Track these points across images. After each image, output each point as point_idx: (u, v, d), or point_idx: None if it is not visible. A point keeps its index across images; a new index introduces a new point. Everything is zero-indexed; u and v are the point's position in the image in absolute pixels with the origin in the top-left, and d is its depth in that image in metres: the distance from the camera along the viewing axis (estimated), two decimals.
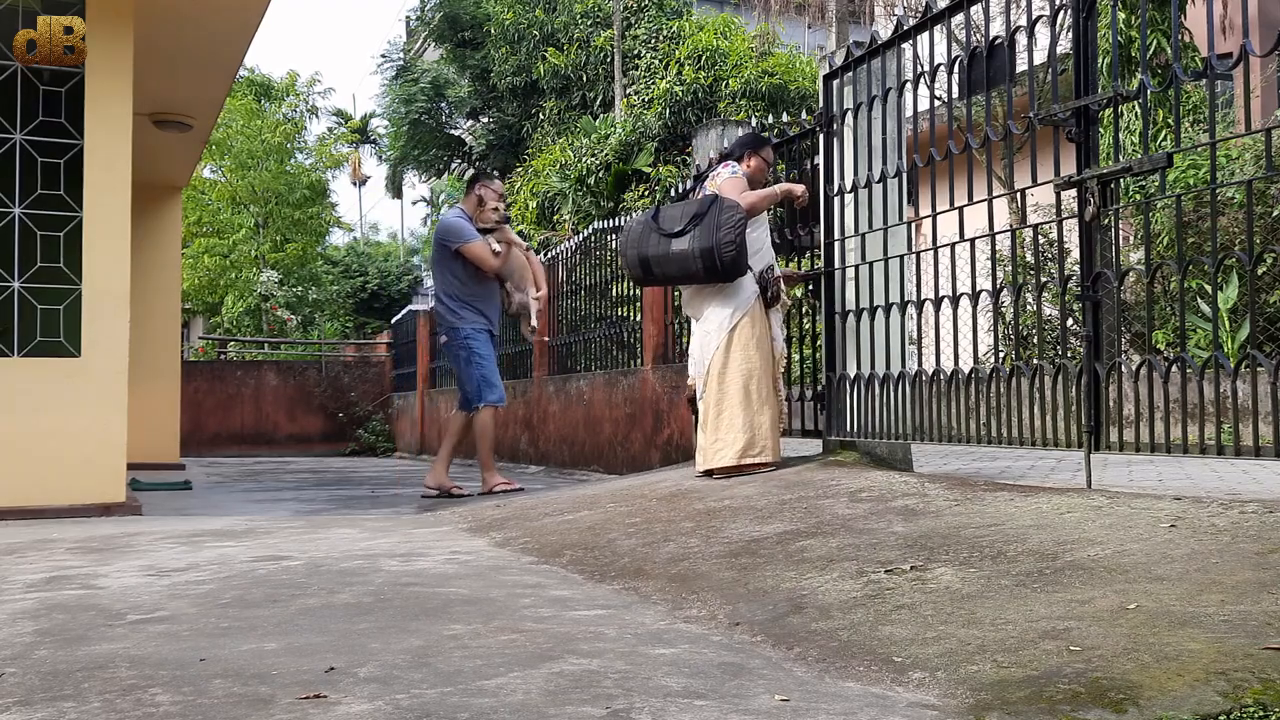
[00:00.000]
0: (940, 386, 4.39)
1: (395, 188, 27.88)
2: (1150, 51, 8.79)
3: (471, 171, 21.94)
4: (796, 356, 5.91)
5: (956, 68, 4.47)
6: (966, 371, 4.28)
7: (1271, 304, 7.05)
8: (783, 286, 5.09)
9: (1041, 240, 7.37)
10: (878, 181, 4.81)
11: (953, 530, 3.14)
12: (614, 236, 7.95)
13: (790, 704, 1.93)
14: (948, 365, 4.44)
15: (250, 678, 2.11)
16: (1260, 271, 6.53)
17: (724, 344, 4.88)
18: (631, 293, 7.70)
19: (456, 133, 22.19)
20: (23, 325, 5.41)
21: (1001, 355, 6.51)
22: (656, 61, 16.83)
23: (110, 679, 2.13)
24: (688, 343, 6.81)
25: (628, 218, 7.80)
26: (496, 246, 6.30)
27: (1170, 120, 7.21)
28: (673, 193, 7.22)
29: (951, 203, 4.31)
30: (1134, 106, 7.64)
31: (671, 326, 7.14)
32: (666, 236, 4.91)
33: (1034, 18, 4.01)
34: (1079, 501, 3.27)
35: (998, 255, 4.39)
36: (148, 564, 3.72)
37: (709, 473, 4.87)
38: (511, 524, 4.57)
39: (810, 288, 5.48)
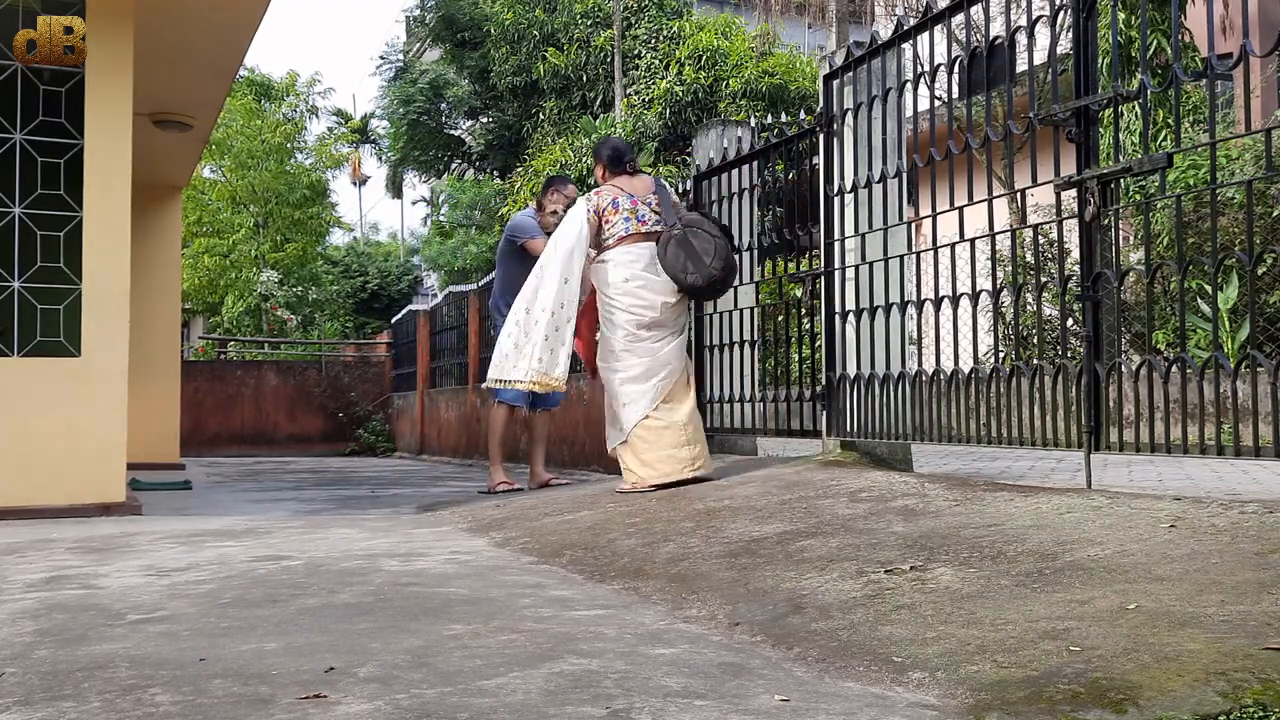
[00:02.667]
0: (940, 387, 4.39)
1: (395, 188, 27.88)
2: (1150, 51, 8.79)
3: (471, 171, 21.95)
4: (796, 356, 5.92)
5: (956, 68, 4.47)
6: (966, 372, 4.28)
7: (1271, 304, 7.05)
8: None
9: (1041, 240, 7.36)
10: (878, 181, 4.81)
11: (953, 530, 3.14)
12: None
13: (790, 704, 1.93)
14: (948, 365, 4.44)
15: (250, 678, 2.11)
16: (1260, 271, 6.53)
17: (682, 370, 5.03)
18: None
19: (456, 133, 22.19)
20: (23, 325, 5.40)
21: (1001, 355, 6.51)
22: (656, 61, 16.83)
23: (110, 679, 2.12)
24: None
25: None
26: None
27: (1170, 120, 7.21)
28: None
29: (951, 203, 4.31)
30: (1134, 106, 7.64)
31: None
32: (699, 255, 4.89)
33: (1034, 18, 4.01)
34: (1079, 502, 3.26)
35: (998, 255, 4.39)
36: (148, 564, 3.72)
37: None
38: (511, 524, 4.57)
39: (811, 287, 5.48)
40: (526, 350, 4.99)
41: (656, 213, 5.03)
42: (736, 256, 5.49)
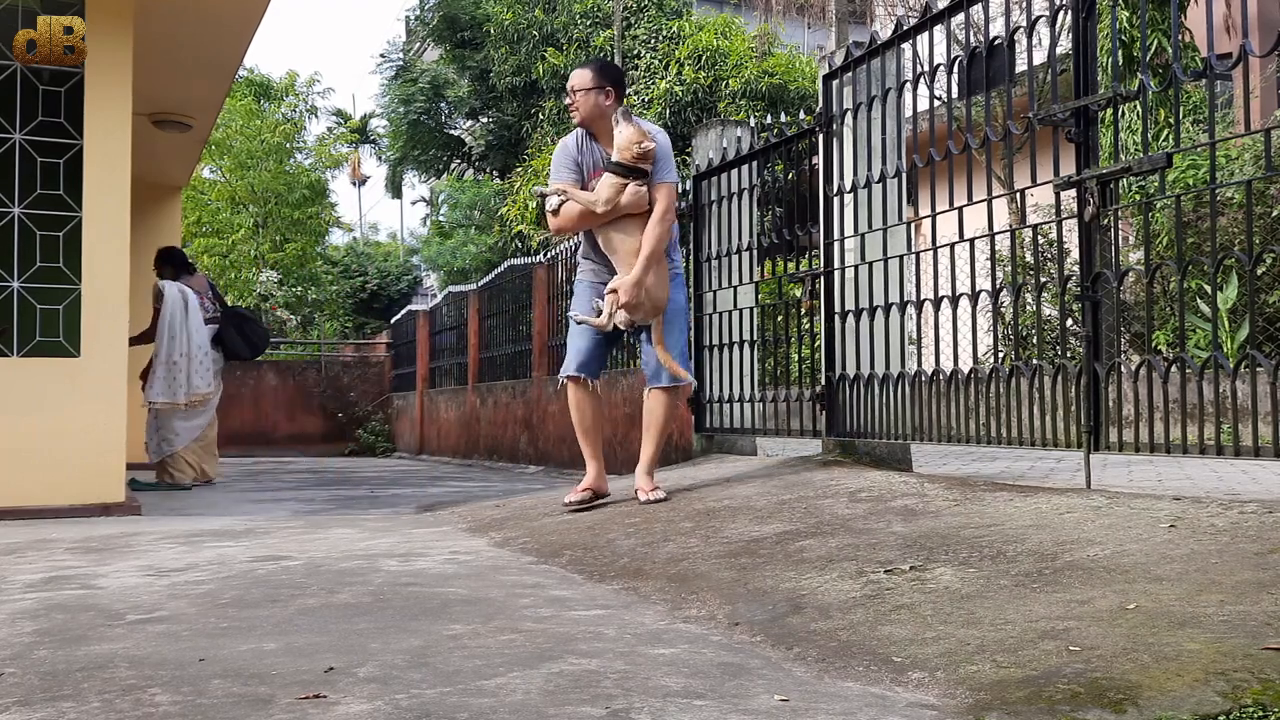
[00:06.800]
0: (940, 387, 4.39)
1: (395, 188, 27.86)
2: (1150, 51, 8.79)
3: (470, 171, 21.95)
4: (796, 356, 5.91)
5: (956, 68, 4.47)
6: (966, 371, 4.27)
7: (1271, 304, 7.05)
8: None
9: (1041, 240, 7.36)
10: (877, 182, 4.81)
11: (952, 530, 3.14)
12: None
13: (790, 704, 1.93)
14: (947, 365, 4.44)
15: (250, 678, 2.11)
16: (1260, 271, 6.53)
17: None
18: None
19: (456, 133, 22.17)
20: (22, 325, 5.40)
21: (1001, 355, 6.51)
22: (656, 61, 16.83)
23: (110, 679, 2.12)
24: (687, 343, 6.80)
25: None
26: (554, 199, 4.54)
27: (1171, 120, 7.20)
28: None
29: (951, 203, 4.31)
30: (1135, 106, 7.64)
31: None
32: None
33: (1034, 18, 4.01)
34: (1078, 502, 3.27)
35: (997, 255, 4.39)
36: (147, 564, 3.72)
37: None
38: (511, 524, 4.57)
39: (811, 287, 5.48)
40: (183, 377, 7.60)
41: (210, 304, 7.92)
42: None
